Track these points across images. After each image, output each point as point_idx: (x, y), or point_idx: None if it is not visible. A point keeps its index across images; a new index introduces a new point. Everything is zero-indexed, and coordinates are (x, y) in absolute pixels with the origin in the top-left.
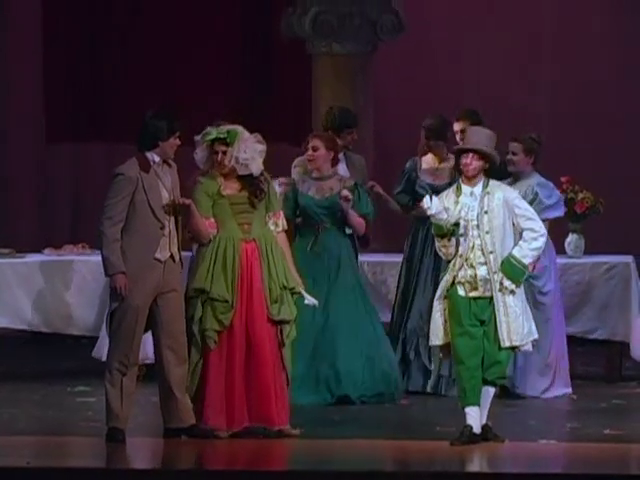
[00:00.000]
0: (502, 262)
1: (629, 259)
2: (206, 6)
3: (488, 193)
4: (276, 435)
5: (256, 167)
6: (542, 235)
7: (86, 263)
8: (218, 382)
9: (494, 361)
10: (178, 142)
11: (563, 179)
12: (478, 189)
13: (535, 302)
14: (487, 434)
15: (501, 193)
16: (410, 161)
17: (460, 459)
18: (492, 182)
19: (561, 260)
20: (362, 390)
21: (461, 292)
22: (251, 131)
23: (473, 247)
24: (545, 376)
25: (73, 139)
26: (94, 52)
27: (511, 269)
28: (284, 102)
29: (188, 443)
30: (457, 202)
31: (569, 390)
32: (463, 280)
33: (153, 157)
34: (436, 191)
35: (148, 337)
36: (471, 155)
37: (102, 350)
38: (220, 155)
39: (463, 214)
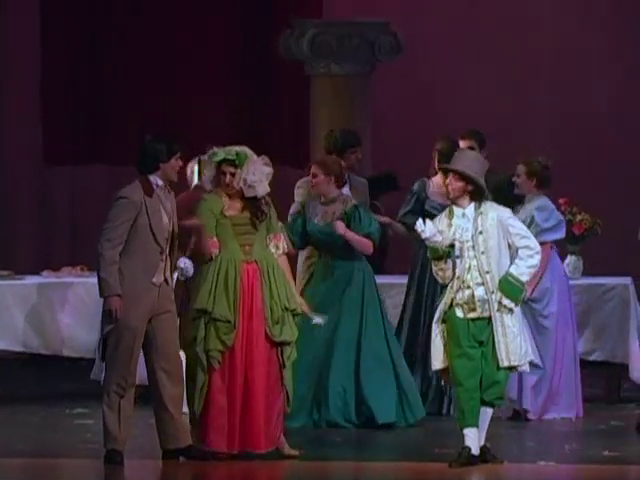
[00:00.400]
0: (500, 281)
1: (628, 281)
2: (205, 29)
3: (482, 213)
4: (275, 456)
5: (262, 189)
6: (537, 252)
7: (84, 285)
8: (220, 403)
9: (492, 381)
10: (180, 163)
11: (561, 200)
12: (470, 210)
13: (537, 326)
14: (486, 455)
15: (494, 213)
16: (419, 182)
17: None
18: (486, 202)
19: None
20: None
21: (459, 314)
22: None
23: (469, 268)
24: (545, 398)
25: (72, 162)
26: (93, 72)
27: (509, 287)
28: (283, 124)
29: (186, 465)
30: (450, 225)
31: (570, 414)
32: (461, 302)
33: (156, 180)
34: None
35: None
36: (451, 176)
37: (100, 372)
38: (228, 176)
39: (457, 236)
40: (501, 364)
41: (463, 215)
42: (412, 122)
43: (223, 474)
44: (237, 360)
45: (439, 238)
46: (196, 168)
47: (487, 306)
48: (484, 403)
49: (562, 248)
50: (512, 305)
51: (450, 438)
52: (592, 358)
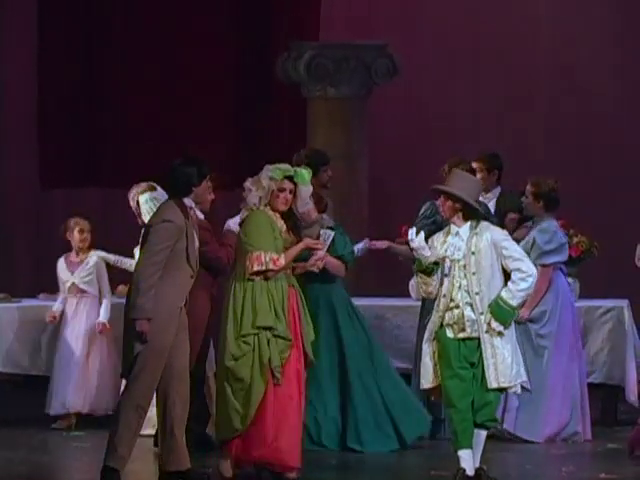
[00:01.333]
0: (490, 304)
1: (624, 303)
2: (203, 51)
3: (476, 234)
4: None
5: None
6: (530, 275)
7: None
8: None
9: (483, 403)
10: (210, 184)
11: (559, 222)
12: (465, 230)
13: (534, 346)
14: (481, 477)
15: (489, 234)
16: (429, 204)
17: None
18: (482, 223)
19: None
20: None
21: (449, 334)
22: (247, 175)
23: (459, 287)
24: (540, 419)
25: (67, 185)
26: (89, 93)
27: (499, 311)
28: (280, 146)
29: None
30: (445, 242)
31: (574, 431)
32: (451, 322)
33: (190, 203)
34: None
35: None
36: (442, 196)
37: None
38: (288, 194)
39: (449, 253)
40: (489, 385)
41: (457, 234)
42: (409, 144)
43: None
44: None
45: (427, 253)
46: (142, 198)
47: (476, 326)
48: (477, 425)
49: None
50: (501, 328)
51: (446, 460)
52: (589, 380)
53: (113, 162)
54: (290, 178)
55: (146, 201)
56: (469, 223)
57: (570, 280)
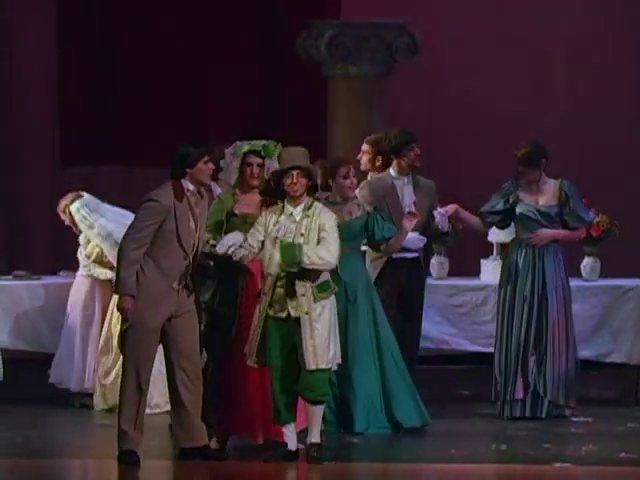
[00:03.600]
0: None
1: None
2: (221, 30)
3: (307, 216)
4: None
5: None
6: (327, 263)
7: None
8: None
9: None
10: (210, 166)
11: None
12: (298, 210)
13: None
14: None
15: (318, 218)
16: (510, 182)
17: None
18: (315, 204)
19: (577, 283)
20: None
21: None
22: None
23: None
24: None
25: (87, 163)
26: (109, 72)
27: (287, 252)
28: (300, 125)
29: (201, 464)
30: (277, 222)
31: None
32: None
33: (187, 185)
34: (542, 213)
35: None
36: (296, 174)
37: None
38: (255, 167)
39: (281, 234)
40: (309, 367)
41: (291, 214)
42: (429, 123)
43: (240, 474)
44: None
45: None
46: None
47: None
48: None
49: (580, 249)
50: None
51: (465, 439)
52: (609, 360)
53: (132, 141)
54: (256, 152)
55: (77, 210)
56: (304, 204)
57: (591, 259)
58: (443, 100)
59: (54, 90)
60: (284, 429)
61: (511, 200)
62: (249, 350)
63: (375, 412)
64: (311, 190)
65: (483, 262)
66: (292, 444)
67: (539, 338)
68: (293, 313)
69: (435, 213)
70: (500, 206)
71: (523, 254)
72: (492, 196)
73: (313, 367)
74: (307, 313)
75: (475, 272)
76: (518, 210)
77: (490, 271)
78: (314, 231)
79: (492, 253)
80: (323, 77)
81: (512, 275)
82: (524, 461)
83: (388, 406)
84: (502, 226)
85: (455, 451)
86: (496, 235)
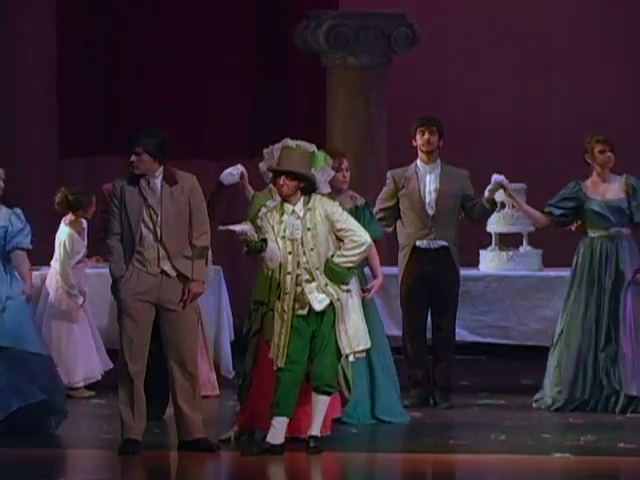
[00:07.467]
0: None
1: None
2: (221, 21)
3: (309, 209)
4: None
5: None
6: (363, 244)
7: (100, 276)
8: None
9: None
10: (132, 158)
11: None
12: (299, 206)
13: None
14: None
15: (322, 209)
16: (574, 182)
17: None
18: (314, 197)
19: None
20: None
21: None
22: (265, 144)
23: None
24: None
25: (86, 153)
26: (109, 63)
27: (332, 273)
28: (299, 116)
29: (201, 457)
30: (281, 221)
31: None
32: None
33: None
34: (610, 207)
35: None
36: (282, 177)
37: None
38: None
39: (288, 233)
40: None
41: (292, 212)
42: (428, 112)
43: (236, 466)
44: None
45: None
46: None
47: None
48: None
49: None
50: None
51: (460, 429)
52: None
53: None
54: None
55: (67, 236)
56: (302, 199)
57: None
58: (442, 91)
59: (52, 80)
60: (274, 421)
61: (581, 197)
62: (276, 353)
63: (364, 411)
64: (306, 190)
65: (482, 253)
66: (278, 438)
67: (609, 337)
68: (317, 307)
69: (494, 177)
70: (570, 203)
71: (598, 251)
72: (558, 194)
73: (348, 351)
74: (338, 300)
75: (474, 263)
76: (586, 206)
77: (489, 261)
78: (320, 224)
79: (491, 244)
80: (322, 67)
81: (584, 273)
82: (523, 451)
83: (373, 405)
84: (567, 223)
85: (454, 441)
86: (495, 226)
